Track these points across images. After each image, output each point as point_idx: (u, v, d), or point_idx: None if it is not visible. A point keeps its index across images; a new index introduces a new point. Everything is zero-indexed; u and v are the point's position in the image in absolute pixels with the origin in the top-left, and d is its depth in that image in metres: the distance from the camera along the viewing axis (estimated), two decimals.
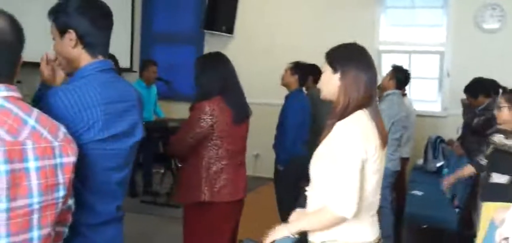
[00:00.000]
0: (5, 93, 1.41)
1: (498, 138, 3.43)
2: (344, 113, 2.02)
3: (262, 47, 7.32)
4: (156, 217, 5.39)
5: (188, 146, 2.87)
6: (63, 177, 1.48)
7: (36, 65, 2.06)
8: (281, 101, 4.62)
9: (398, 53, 6.90)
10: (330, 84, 2.10)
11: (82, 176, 1.67)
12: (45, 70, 1.98)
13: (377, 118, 2.08)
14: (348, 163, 1.95)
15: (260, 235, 3.41)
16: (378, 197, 2.13)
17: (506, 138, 3.39)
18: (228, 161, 2.93)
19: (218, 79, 2.91)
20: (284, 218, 4.54)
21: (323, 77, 2.14)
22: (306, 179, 4.50)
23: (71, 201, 1.57)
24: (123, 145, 1.84)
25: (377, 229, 2.14)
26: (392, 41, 7.05)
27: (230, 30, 7.58)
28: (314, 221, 2.10)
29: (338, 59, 2.10)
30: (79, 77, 1.77)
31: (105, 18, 1.85)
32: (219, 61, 3.01)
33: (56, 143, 1.47)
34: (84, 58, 1.80)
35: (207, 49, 7.71)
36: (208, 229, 2.93)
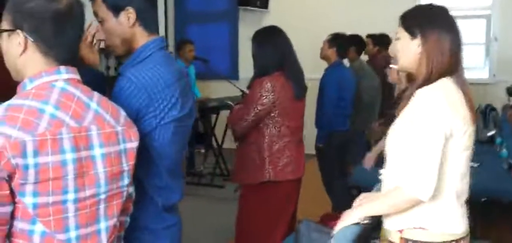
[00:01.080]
0: (66, 76, 1.32)
1: None
2: (427, 83, 1.76)
3: (299, 21, 7.10)
4: (201, 198, 5.34)
5: (248, 124, 2.77)
6: (127, 164, 1.41)
7: None
8: (321, 75, 4.45)
9: None
10: (408, 51, 1.81)
11: (163, 156, 1.62)
12: (84, 47, 1.80)
13: (464, 87, 1.80)
14: (429, 137, 1.67)
15: (312, 214, 3.33)
16: (467, 181, 1.82)
17: None
18: (290, 138, 2.83)
19: (277, 54, 2.80)
20: (332, 197, 4.49)
21: (398, 45, 1.85)
22: (350, 156, 4.41)
23: (131, 189, 1.49)
24: (189, 123, 1.77)
25: (466, 221, 1.83)
26: None
27: (265, 4, 7.42)
28: (385, 204, 1.81)
29: (417, 22, 1.81)
30: (142, 57, 1.66)
31: None
32: (277, 35, 2.89)
33: (119, 128, 1.38)
34: (140, 36, 1.68)
35: (241, 26, 7.59)
36: (270, 209, 2.83)
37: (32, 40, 1.29)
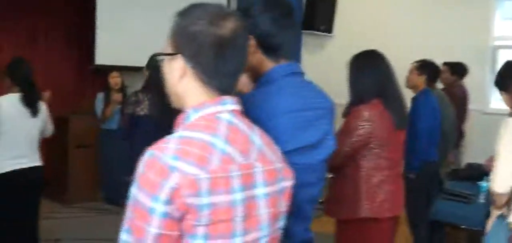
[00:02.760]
0: (231, 107, 1.20)
1: None
2: None
3: (364, 46, 6.91)
4: None
5: (344, 156, 2.57)
6: (284, 205, 1.27)
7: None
8: None
9: None
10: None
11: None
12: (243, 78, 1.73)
13: None
14: None
15: None
16: None
17: None
18: (388, 172, 2.63)
19: (376, 81, 2.63)
20: (415, 229, 4.25)
21: None
22: (438, 187, 4.19)
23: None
24: (312, 159, 1.58)
25: None
26: (509, 36, 6.49)
27: (329, 29, 7.27)
28: None
29: None
30: (264, 83, 1.55)
31: (286, 16, 1.61)
32: (376, 60, 2.71)
33: (278, 165, 1.25)
34: (265, 62, 1.56)
35: (304, 51, 7.44)
36: None
37: (190, 66, 1.19)
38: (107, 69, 5.98)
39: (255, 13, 1.54)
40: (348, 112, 2.66)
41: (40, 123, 3.58)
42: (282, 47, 1.58)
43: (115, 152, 5.00)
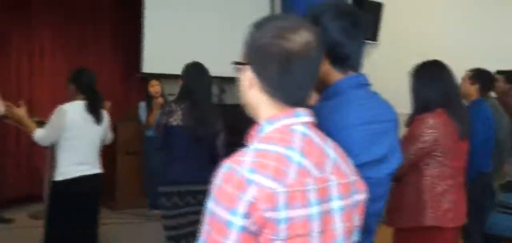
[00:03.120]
0: (304, 119, 1.19)
1: None
2: None
3: (412, 55, 6.75)
4: None
5: (408, 163, 2.53)
6: (358, 219, 1.24)
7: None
8: None
9: None
10: None
11: None
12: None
13: None
14: None
15: None
16: None
17: None
18: (452, 181, 2.58)
19: (440, 90, 2.59)
20: (468, 239, 4.12)
21: None
22: (491, 198, 4.07)
23: None
24: (380, 173, 1.52)
25: None
26: None
27: (374, 36, 7.19)
28: None
29: None
30: (332, 94, 1.50)
31: (356, 26, 1.53)
32: (440, 69, 2.68)
33: (352, 178, 1.23)
34: (333, 73, 1.51)
35: None
36: None
37: (257, 78, 1.19)
38: (152, 78, 6.07)
39: (325, 21, 1.49)
40: (412, 120, 2.63)
41: (102, 131, 3.65)
42: (351, 58, 1.52)
43: (159, 159, 5.05)
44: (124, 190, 5.99)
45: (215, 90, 6.30)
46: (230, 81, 6.52)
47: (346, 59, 1.51)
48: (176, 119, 3.29)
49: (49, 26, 6.47)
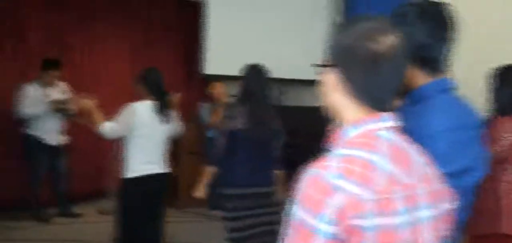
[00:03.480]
0: (389, 123, 1.15)
1: None
2: None
3: (467, 51, 6.57)
4: None
5: None
6: (446, 228, 1.19)
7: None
8: None
9: None
10: None
11: None
12: None
13: None
14: None
15: None
16: None
17: None
18: None
19: None
20: None
21: None
22: None
23: None
24: (460, 182, 1.39)
25: None
26: None
27: None
28: None
29: None
30: (417, 98, 1.44)
31: (445, 27, 1.46)
32: None
33: (440, 186, 1.18)
34: (418, 76, 1.45)
35: None
36: None
37: (342, 80, 1.16)
38: (213, 79, 6.14)
39: (412, 22, 1.44)
40: (489, 124, 2.54)
41: (170, 130, 3.72)
42: (438, 60, 1.46)
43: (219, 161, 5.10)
44: (188, 189, 6.10)
45: (275, 91, 6.33)
46: (290, 83, 6.53)
47: (433, 62, 1.46)
48: (237, 123, 3.32)
49: (113, 27, 6.66)
